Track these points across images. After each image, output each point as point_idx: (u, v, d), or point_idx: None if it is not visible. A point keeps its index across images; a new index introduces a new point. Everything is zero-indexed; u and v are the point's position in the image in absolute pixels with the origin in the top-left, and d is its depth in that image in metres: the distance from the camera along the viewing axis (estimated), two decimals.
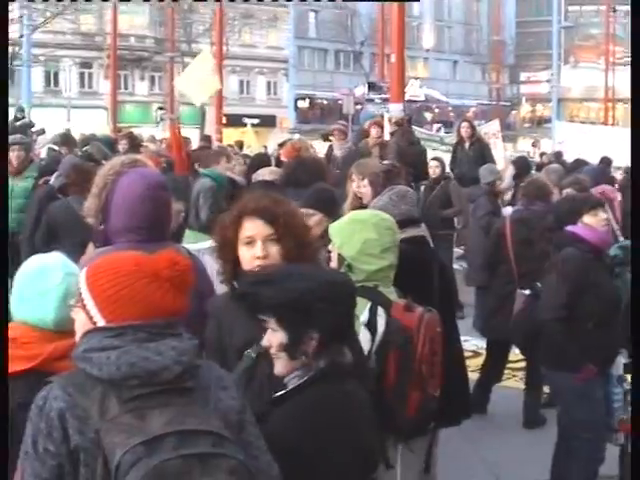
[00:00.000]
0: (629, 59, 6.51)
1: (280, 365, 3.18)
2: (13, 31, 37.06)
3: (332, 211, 5.74)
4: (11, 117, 23.34)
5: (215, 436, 2.50)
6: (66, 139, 15.68)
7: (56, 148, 16.28)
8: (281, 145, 17.27)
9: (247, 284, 3.35)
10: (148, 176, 4.19)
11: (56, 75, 56.76)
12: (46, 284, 3.31)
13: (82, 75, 57.89)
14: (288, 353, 3.14)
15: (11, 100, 33.78)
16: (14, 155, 11.08)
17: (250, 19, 59.29)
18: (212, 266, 4.45)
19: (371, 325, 4.05)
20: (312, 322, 3.10)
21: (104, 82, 56.39)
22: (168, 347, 2.58)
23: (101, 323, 2.65)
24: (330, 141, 17.13)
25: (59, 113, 44.43)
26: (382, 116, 17.72)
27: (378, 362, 3.94)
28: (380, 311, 4.06)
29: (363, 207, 6.01)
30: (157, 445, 2.41)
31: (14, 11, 37.03)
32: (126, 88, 57.10)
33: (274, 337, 3.14)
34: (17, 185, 10.89)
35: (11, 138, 12.32)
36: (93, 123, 41.57)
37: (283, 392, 3.17)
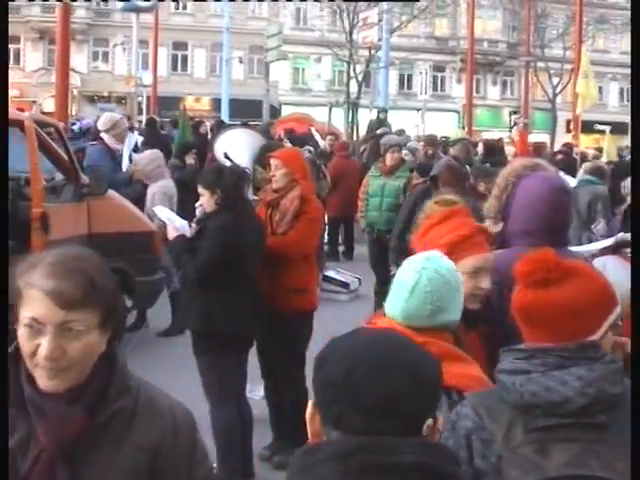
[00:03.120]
0: None
1: None
2: (372, 35, 38.19)
3: None
4: (371, 118, 24.20)
5: None
6: (431, 140, 15.97)
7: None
8: None
9: None
10: (550, 179, 4.15)
11: (409, 78, 57.93)
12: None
13: (435, 78, 58.66)
14: None
15: (366, 102, 34.96)
16: (392, 157, 11.32)
17: (604, 24, 57.85)
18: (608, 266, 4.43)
19: None
20: None
21: (456, 86, 56.98)
22: (574, 377, 2.41)
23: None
24: None
25: (411, 115, 45.30)
26: None
27: None
28: None
29: None
30: None
31: (373, 16, 38.02)
32: (477, 92, 57.22)
33: None
34: (388, 184, 11.10)
35: (390, 141, 12.62)
36: (444, 126, 42.17)
37: None
